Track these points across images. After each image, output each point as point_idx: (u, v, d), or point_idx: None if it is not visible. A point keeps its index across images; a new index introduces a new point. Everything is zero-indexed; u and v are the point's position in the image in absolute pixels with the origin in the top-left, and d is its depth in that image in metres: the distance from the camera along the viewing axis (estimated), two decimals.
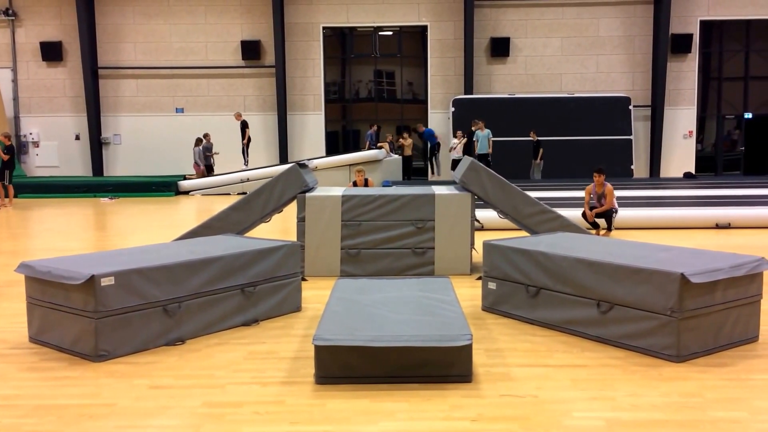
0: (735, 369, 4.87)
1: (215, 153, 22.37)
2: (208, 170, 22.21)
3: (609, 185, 11.64)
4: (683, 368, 4.87)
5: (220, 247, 6.24)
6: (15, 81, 24.14)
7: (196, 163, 22.10)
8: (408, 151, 22.86)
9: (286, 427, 3.99)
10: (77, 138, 24.28)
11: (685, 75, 23.66)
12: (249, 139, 22.42)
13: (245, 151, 22.38)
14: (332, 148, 24.50)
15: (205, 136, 22.34)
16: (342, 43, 24.72)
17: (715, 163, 24.46)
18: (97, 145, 23.91)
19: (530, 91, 23.55)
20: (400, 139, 23.07)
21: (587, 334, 5.57)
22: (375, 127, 23.36)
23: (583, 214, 11.62)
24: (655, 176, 23.28)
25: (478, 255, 8.63)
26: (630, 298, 5.24)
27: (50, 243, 11.44)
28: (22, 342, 5.67)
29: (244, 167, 22.18)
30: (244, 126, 22.32)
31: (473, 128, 20.74)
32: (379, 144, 22.24)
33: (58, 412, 4.21)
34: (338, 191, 8.67)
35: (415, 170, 23.57)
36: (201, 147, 22.13)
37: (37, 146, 24.33)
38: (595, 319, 5.50)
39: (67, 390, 4.59)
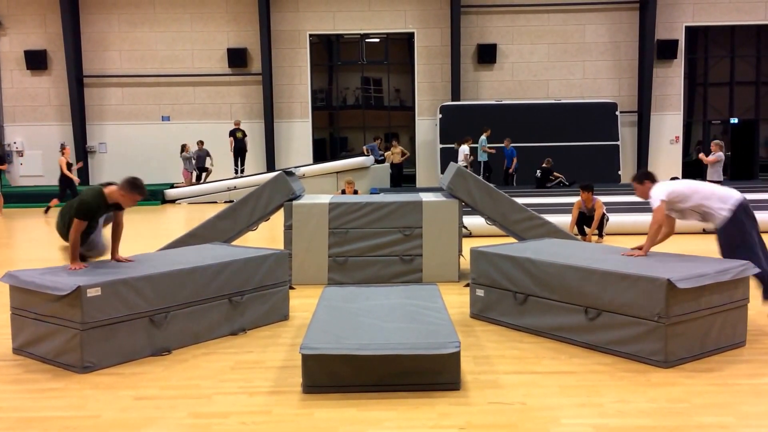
0: (722, 374, 4.88)
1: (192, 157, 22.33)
2: (200, 173, 22.17)
3: (599, 200, 11.53)
4: (671, 374, 4.88)
5: (207, 256, 6.21)
6: None
7: (186, 170, 22.05)
8: (398, 159, 22.85)
9: None
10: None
11: (671, 81, 23.79)
12: (238, 148, 22.34)
13: (236, 160, 22.35)
14: (319, 156, 24.47)
15: (199, 143, 22.32)
16: (329, 51, 24.72)
17: (702, 168, 24.53)
18: (82, 154, 23.76)
19: (517, 97, 23.60)
20: (391, 147, 23.06)
21: (575, 341, 5.57)
22: (379, 141, 23.29)
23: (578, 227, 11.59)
24: None
25: (465, 262, 8.63)
26: (617, 304, 5.24)
27: (35, 253, 11.35)
28: (5, 353, 5.61)
29: (233, 176, 22.16)
30: (231, 134, 22.31)
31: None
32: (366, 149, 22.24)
33: (42, 425, 4.16)
34: (325, 199, 8.65)
35: (405, 178, 23.55)
36: (194, 153, 22.12)
37: (22, 155, 24.15)
38: (582, 326, 5.50)
39: (51, 402, 4.54)
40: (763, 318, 6.37)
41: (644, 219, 12.58)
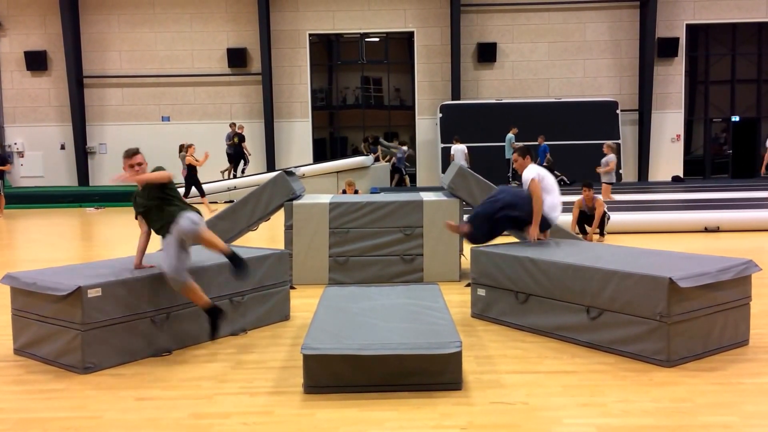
0: (725, 373, 4.86)
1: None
2: (237, 159, 22.01)
3: (599, 198, 11.55)
4: (673, 373, 4.86)
5: (207, 257, 6.19)
6: None
7: (185, 169, 21.99)
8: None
9: None
10: (62, 147, 24.12)
11: (672, 79, 23.75)
12: (235, 152, 22.30)
13: (235, 165, 22.34)
14: (320, 156, 24.45)
15: (231, 125, 22.17)
16: (328, 50, 24.70)
17: (703, 166, 24.55)
18: (82, 154, 23.76)
19: (517, 96, 23.58)
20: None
21: (577, 340, 5.55)
22: (406, 147, 23.18)
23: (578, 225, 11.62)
24: (643, 180, 23.34)
25: (466, 261, 8.61)
26: (619, 303, 5.22)
27: (36, 254, 11.34)
28: (6, 354, 5.59)
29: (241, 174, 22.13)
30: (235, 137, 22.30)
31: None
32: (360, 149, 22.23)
33: (42, 426, 4.15)
34: (326, 198, 8.63)
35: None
36: (227, 134, 22.02)
37: (22, 156, 24.15)
38: (584, 325, 5.48)
39: (52, 403, 4.53)
40: (766, 316, 6.35)
41: (645, 217, 12.58)
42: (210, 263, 5.89)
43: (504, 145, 21.20)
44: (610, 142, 16.78)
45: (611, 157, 15.08)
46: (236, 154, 22.34)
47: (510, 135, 21.09)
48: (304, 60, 23.97)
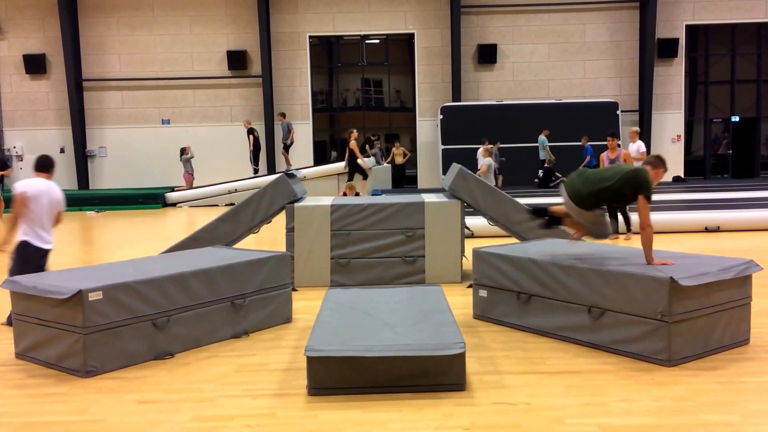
0: (726, 372, 4.86)
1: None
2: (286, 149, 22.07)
3: (624, 150, 11.37)
4: (675, 372, 4.86)
5: (209, 260, 6.20)
6: None
7: (187, 172, 22.00)
8: (399, 160, 22.84)
9: None
10: (62, 151, 24.08)
11: (672, 79, 23.75)
12: (258, 147, 22.33)
13: (252, 159, 22.30)
14: (320, 158, 24.44)
15: (282, 114, 22.14)
16: (329, 52, 24.71)
17: (704, 166, 24.54)
18: (82, 158, 23.75)
19: (518, 97, 23.56)
20: (393, 148, 23.06)
21: (579, 340, 5.55)
22: (489, 144, 22.83)
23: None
24: None
25: (468, 263, 8.61)
26: (620, 303, 5.22)
27: None
28: (8, 359, 5.59)
29: (252, 175, 22.05)
30: (250, 133, 22.24)
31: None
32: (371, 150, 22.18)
33: (45, 430, 4.15)
34: (327, 201, 8.64)
35: (407, 179, 23.53)
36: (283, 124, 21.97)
37: (21, 160, 24.13)
38: (586, 325, 5.49)
39: (54, 407, 4.53)
40: (766, 315, 6.35)
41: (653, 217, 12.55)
42: (213, 266, 5.89)
43: (537, 146, 21.16)
44: (488, 145, 16.89)
45: (487, 161, 15.16)
46: (258, 148, 22.35)
47: (542, 137, 21.02)
48: (305, 62, 23.97)
